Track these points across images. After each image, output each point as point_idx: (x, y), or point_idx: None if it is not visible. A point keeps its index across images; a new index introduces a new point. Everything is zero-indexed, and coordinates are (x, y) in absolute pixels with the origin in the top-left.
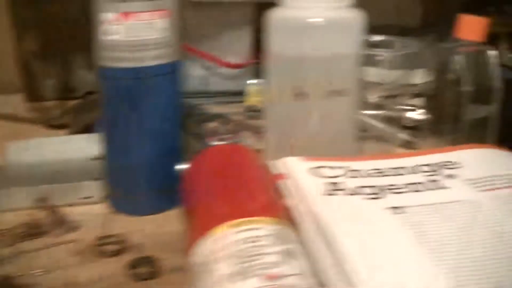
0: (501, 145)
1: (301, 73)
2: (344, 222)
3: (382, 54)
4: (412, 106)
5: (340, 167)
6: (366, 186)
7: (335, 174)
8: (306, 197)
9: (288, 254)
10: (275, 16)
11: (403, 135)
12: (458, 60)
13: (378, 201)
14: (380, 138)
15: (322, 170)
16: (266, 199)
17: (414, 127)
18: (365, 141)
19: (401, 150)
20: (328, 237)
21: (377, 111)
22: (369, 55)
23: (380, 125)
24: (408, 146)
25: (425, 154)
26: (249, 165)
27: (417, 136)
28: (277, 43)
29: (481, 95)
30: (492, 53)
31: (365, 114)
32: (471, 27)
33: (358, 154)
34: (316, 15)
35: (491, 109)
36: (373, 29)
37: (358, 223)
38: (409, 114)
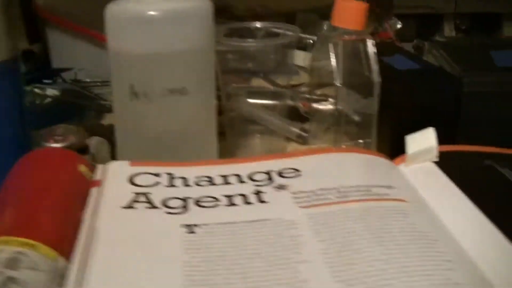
0: (381, 145)
1: (140, 70)
2: (120, 243)
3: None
4: (323, 96)
5: (163, 174)
6: (176, 198)
7: (151, 183)
8: (100, 209)
9: (4, 284)
10: (113, 8)
11: (296, 130)
12: (334, 50)
13: (178, 217)
14: (273, 132)
15: (141, 177)
16: (29, 216)
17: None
18: (249, 136)
19: (295, 146)
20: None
21: (275, 101)
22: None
23: (273, 118)
24: (304, 141)
25: (272, 158)
26: (51, 174)
27: (316, 130)
28: (115, 38)
29: (362, 89)
30: (371, 42)
31: (260, 105)
32: (348, 14)
33: (219, 156)
34: (153, 7)
35: (370, 104)
36: None
37: (137, 245)
38: (317, 105)
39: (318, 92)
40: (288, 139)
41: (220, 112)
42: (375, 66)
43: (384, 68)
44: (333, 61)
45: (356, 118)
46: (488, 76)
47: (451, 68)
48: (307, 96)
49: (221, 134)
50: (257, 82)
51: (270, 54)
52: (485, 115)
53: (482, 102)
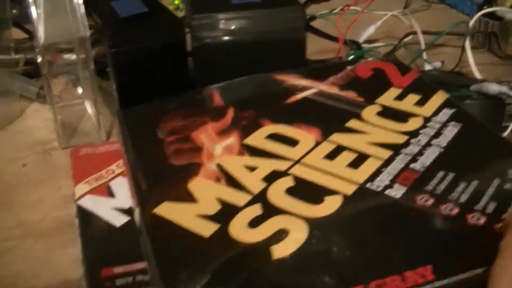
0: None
1: None
2: None
3: None
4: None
5: None
6: None
7: None
8: None
9: None
10: None
11: (35, 88)
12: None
13: None
14: (7, 93)
15: None
16: None
17: None
18: None
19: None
20: None
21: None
22: None
23: (6, 76)
24: (44, 100)
25: None
26: None
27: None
28: None
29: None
30: None
31: None
32: None
33: None
34: None
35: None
36: None
37: None
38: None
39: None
40: (28, 99)
41: None
42: (81, 20)
43: (108, 15)
44: (34, 14)
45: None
46: (218, 16)
47: (187, 9)
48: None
49: None
50: None
51: None
52: (218, 56)
53: (212, 42)
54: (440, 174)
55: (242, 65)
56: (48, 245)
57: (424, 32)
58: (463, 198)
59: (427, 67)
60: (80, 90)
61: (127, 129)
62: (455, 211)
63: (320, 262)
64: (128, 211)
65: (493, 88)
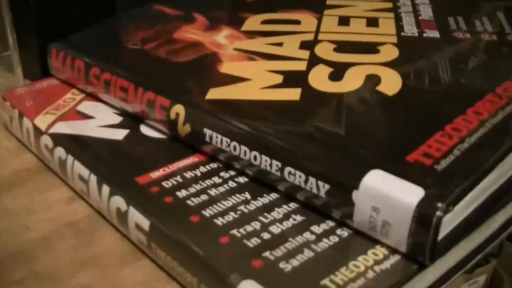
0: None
1: None
2: None
3: None
4: None
5: None
6: None
7: None
8: None
9: None
10: None
11: None
12: None
13: None
14: None
15: None
16: None
17: None
18: None
19: None
20: None
21: None
22: None
23: None
24: None
25: None
26: None
27: None
28: None
29: None
30: None
31: None
32: None
33: None
34: None
35: None
36: None
37: None
38: None
39: None
40: None
41: None
42: None
43: None
44: None
45: None
46: None
47: None
48: None
49: None
50: None
51: None
52: None
53: None
54: (451, 20)
55: None
56: (26, 194)
57: None
58: (489, 29)
59: None
60: None
61: (87, 52)
62: (494, 37)
63: (427, 96)
64: (121, 125)
65: None
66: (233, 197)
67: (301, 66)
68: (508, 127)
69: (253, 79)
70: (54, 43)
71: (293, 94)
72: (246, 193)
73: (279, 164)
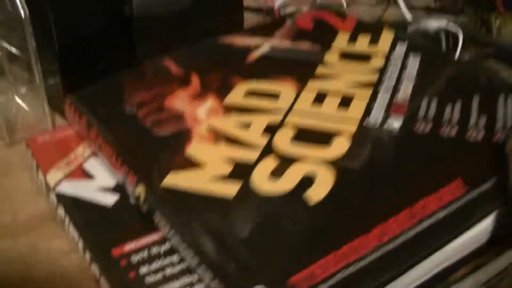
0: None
1: None
2: None
3: None
4: None
5: None
6: None
7: None
8: None
9: None
10: None
11: None
12: None
13: None
14: None
15: None
16: None
17: None
18: None
19: None
20: None
21: None
22: None
23: None
24: None
25: None
26: None
27: None
28: None
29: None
30: None
31: None
32: None
33: None
34: None
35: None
36: None
37: None
38: None
39: None
40: None
41: None
42: None
43: None
44: None
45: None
46: None
47: None
48: None
49: None
50: None
51: None
52: (156, 23)
53: (150, 14)
54: (425, 102)
55: (184, 29)
56: (29, 241)
57: None
58: (455, 118)
59: None
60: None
61: (90, 111)
62: (454, 131)
63: (356, 196)
64: (115, 189)
65: (433, 24)
66: (184, 277)
67: (253, 156)
68: (398, 255)
69: (207, 166)
70: (70, 95)
71: (231, 189)
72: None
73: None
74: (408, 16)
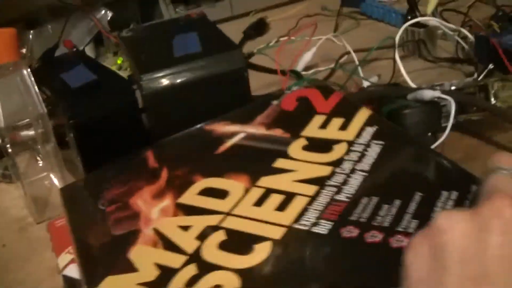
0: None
1: None
2: None
3: None
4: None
5: None
6: None
7: None
8: None
9: None
10: None
11: None
12: None
13: None
14: None
15: None
16: None
17: None
18: None
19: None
20: None
21: None
22: None
23: None
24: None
25: None
26: None
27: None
28: None
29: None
30: (26, 72)
31: None
32: None
33: None
34: None
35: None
36: None
37: None
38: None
39: None
40: None
41: None
42: (35, 97)
43: (60, 88)
44: None
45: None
46: (164, 72)
47: (134, 69)
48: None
49: None
50: None
51: None
52: (169, 109)
53: (162, 97)
54: (364, 201)
55: (193, 112)
56: None
57: (355, 51)
58: (386, 222)
59: (365, 83)
60: (41, 163)
61: (68, 208)
62: (379, 237)
63: None
64: None
65: (427, 94)
66: None
67: (178, 263)
68: None
69: (141, 270)
70: (61, 189)
71: None
72: None
73: None
74: (410, 82)
